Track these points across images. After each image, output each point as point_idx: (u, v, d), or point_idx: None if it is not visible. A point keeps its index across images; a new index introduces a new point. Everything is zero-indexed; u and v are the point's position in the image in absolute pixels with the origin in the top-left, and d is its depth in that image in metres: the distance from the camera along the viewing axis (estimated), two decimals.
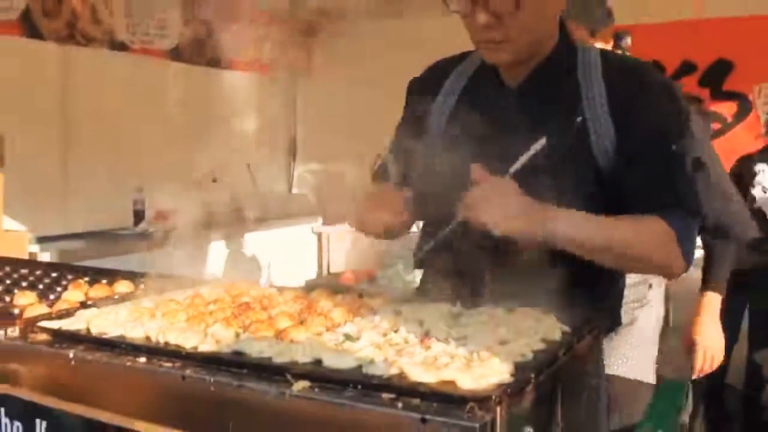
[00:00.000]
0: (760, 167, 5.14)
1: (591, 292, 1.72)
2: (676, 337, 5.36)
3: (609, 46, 1.85)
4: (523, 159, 1.69)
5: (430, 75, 2.12)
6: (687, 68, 5.92)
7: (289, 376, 1.25)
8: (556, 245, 1.64)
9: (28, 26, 4.81)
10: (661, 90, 1.84)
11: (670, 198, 1.75)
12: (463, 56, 2.06)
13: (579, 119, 1.81)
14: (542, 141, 1.68)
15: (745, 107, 5.73)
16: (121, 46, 5.44)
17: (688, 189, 1.79)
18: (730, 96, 5.86)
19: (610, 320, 1.97)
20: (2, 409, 1.47)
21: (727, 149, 5.32)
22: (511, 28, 1.73)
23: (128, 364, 1.39)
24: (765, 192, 5.16)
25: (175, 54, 5.89)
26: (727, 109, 5.88)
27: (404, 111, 2.18)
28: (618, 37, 1.87)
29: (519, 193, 1.64)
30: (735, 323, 5.03)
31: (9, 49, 4.78)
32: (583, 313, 1.59)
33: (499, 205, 1.61)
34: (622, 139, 1.79)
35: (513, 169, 1.70)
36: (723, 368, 5.13)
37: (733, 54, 5.78)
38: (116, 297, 1.88)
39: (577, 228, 1.67)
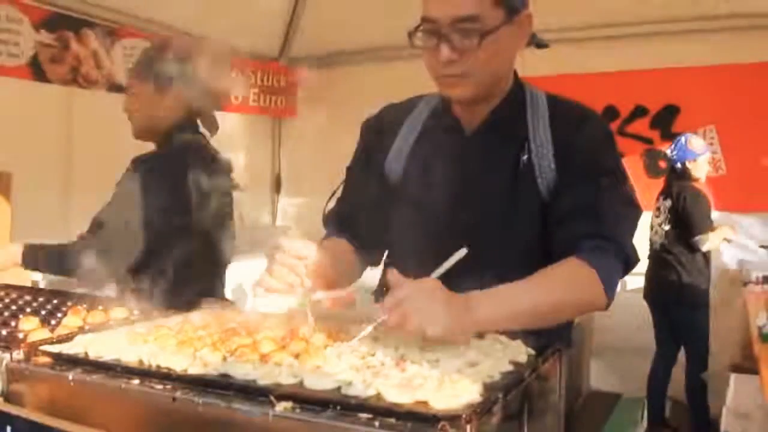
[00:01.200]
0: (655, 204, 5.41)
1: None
2: (637, 356, 5.44)
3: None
4: (445, 266, 1.59)
5: (384, 119, 2.08)
6: (639, 112, 6.01)
7: (272, 398, 1.23)
8: (486, 330, 1.56)
9: (36, 70, 4.83)
10: (597, 130, 1.86)
11: (592, 226, 1.73)
12: (413, 101, 2.05)
13: (525, 157, 1.82)
14: (463, 250, 1.60)
15: None
16: (120, 88, 5.44)
17: (612, 220, 1.76)
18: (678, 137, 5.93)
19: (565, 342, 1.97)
20: (9, 428, 1.44)
21: None
22: (472, 63, 1.73)
23: (123, 385, 1.38)
24: (651, 227, 5.45)
25: None
26: None
27: (357, 153, 2.12)
28: (533, 36, 1.87)
29: (439, 293, 1.49)
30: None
31: (18, 91, 4.78)
32: (545, 337, 1.58)
33: (423, 311, 1.44)
34: (560, 174, 1.80)
35: (434, 274, 1.58)
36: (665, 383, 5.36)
37: (680, 99, 5.86)
38: (112, 323, 1.86)
39: (500, 308, 1.57)
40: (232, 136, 7.08)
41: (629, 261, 1.78)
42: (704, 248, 5.19)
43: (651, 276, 5.47)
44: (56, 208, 5.17)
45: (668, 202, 5.32)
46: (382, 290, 1.90)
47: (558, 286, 1.68)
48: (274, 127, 7.51)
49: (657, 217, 5.43)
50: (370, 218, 1.98)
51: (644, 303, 5.46)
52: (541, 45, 1.92)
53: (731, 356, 4.93)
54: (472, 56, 1.71)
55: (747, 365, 4.43)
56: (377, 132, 2.05)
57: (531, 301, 1.63)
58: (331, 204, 2.09)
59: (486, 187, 1.85)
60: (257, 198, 7.37)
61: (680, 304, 5.25)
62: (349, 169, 2.12)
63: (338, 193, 2.09)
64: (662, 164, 6.00)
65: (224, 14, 5.91)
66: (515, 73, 1.93)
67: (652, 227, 5.50)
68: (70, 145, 5.29)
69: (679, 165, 5.33)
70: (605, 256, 1.71)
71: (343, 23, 6.35)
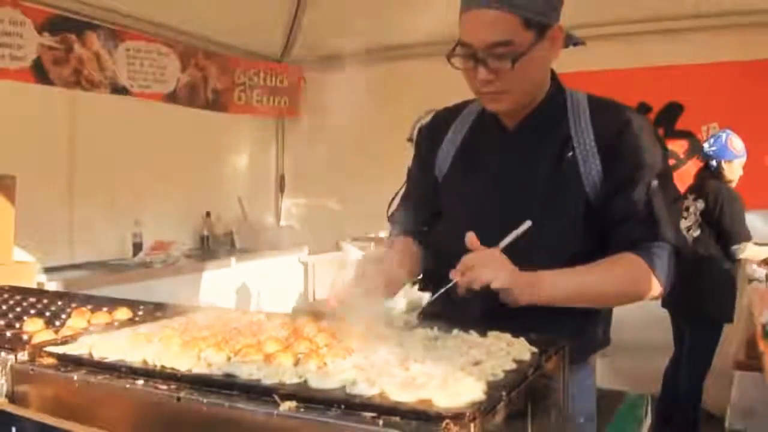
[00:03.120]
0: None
1: (574, 320, 1.82)
2: (642, 354, 5.40)
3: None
4: (511, 237, 1.75)
5: (434, 123, 2.18)
6: (643, 110, 5.99)
7: (276, 397, 1.24)
8: (546, 303, 1.72)
9: (39, 73, 4.83)
10: (640, 128, 1.88)
11: (648, 231, 1.81)
12: (464, 104, 2.13)
13: (570, 153, 1.87)
14: (528, 223, 1.75)
15: (695, 145, 5.79)
16: (123, 90, 5.45)
17: (665, 220, 1.83)
18: (682, 135, 5.93)
19: (602, 338, 2.01)
20: (13, 428, 1.45)
21: (679, 184, 5.37)
22: (508, 82, 1.80)
23: (127, 386, 1.38)
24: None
25: (172, 97, 5.90)
26: (679, 147, 5.95)
27: (413, 158, 2.24)
28: (569, 37, 1.91)
29: (507, 262, 1.69)
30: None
31: (22, 94, 4.79)
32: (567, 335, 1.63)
33: (491, 270, 1.64)
34: (607, 173, 1.85)
35: (502, 244, 1.74)
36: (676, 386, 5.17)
37: (684, 97, 5.86)
38: (116, 324, 1.87)
39: (564, 287, 1.75)
40: (236, 137, 7.09)
41: (680, 251, 1.86)
42: (741, 257, 4.84)
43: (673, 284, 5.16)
44: (60, 210, 5.18)
45: (700, 204, 4.97)
46: (429, 277, 2.05)
47: (618, 276, 1.82)
48: (277, 127, 7.51)
49: (684, 218, 4.99)
50: (426, 217, 2.12)
51: (649, 301, 5.27)
52: (576, 44, 1.97)
53: (735, 354, 4.92)
54: (508, 75, 1.77)
55: (751, 363, 4.42)
56: (427, 136, 2.18)
57: (592, 285, 1.80)
58: (395, 204, 2.23)
59: (529, 181, 1.91)
60: (261, 198, 7.37)
61: (704, 318, 4.91)
62: (409, 170, 2.25)
63: (401, 193, 2.25)
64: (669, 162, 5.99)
65: (227, 15, 5.94)
66: (554, 74, 1.98)
67: None
68: (73, 148, 5.30)
69: (714, 163, 5.02)
70: (660, 255, 1.80)
71: (346, 23, 6.34)
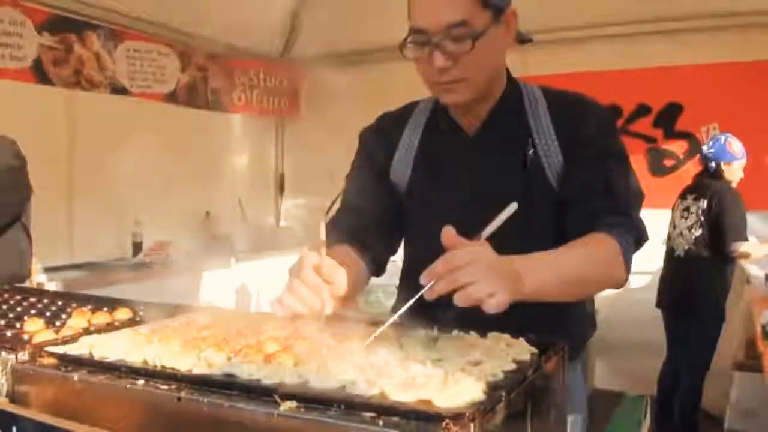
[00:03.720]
0: (677, 203, 5.17)
1: (560, 312, 1.75)
2: (640, 355, 5.41)
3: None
4: (495, 224, 1.53)
5: (383, 126, 2.10)
6: (642, 110, 6.01)
7: (276, 397, 1.24)
8: (534, 298, 1.52)
9: (39, 73, 4.85)
10: (599, 117, 1.88)
11: (607, 203, 1.77)
12: (409, 107, 2.07)
13: (531, 152, 1.85)
14: (514, 205, 1.55)
15: (694, 145, 5.80)
16: (123, 91, 5.45)
17: (625, 197, 1.80)
18: (681, 135, 5.94)
19: (590, 328, 2.00)
20: (14, 428, 1.45)
21: (679, 184, 5.39)
22: (466, 68, 1.74)
23: (128, 386, 1.38)
24: (674, 227, 5.17)
25: (172, 97, 5.91)
26: (678, 147, 5.96)
27: (357, 161, 2.11)
28: (519, 33, 1.88)
29: (495, 263, 1.44)
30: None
31: (21, 94, 4.80)
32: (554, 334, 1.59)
33: (480, 283, 1.37)
34: (568, 160, 1.83)
35: (485, 233, 1.52)
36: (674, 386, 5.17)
37: (683, 98, 5.86)
38: (116, 324, 1.87)
39: (548, 275, 1.58)
40: (236, 137, 7.09)
41: (641, 238, 1.81)
42: (737, 254, 4.87)
43: (671, 283, 5.11)
44: (59, 210, 5.18)
45: (702, 203, 4.97)
46: (408, 281, 1.95)
47: (589, 257, 1.69)
48: (277, 127, 7.52)
49: (684, 218, 5.07)
50: (376, 226, 1.97)
51: (648, 301, 5.20)
52: (525, 40, 1.93)
53: (735, 354, 4.92)
54: (466, 60, 1.72)
55: (751, 363, 4.43)
56: (377, 140, 2.07)
57: (574, 268, 1.65)
58: (332, 213, 2.06)
59: (497, 187, 1.86)
60: (260, 199, 7.37)
61: (702, 318, 4.89)
62: (349, 177, 2.11)
63: (338, 203, 2.07)
64: (666, 163, 6.00)
65: (227, 15, 5.93)
66: (508, 72, 1.95)
67: (675, 228, 5.13)
68: (72, 148, 5.30)
69: (713, 164, 5.03)
70: (624, 232, 1.74)
71: (347, 23, 6.36)
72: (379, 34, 6.15)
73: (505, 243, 1.53)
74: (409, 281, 1.77)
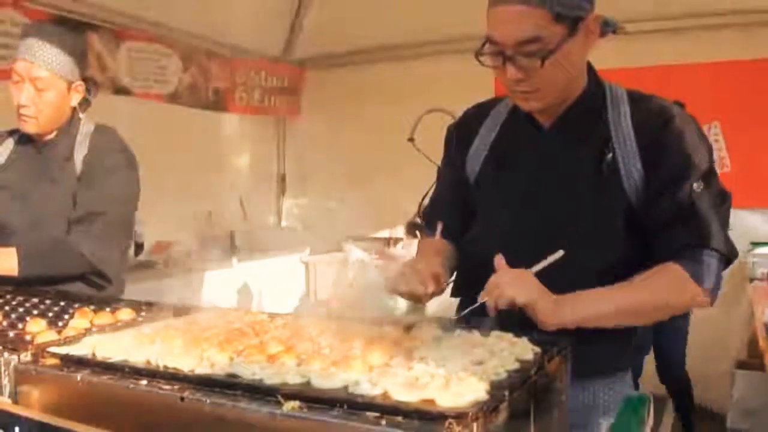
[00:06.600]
0: None
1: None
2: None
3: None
4: (542, 265, 1.71)
5: (464, 122, 2.13)
6: None
7: (279, 397, 1.24)
8: (571, 326, 1.67)
9: None
10: (684, 125, 1.81)
11: (693, 236, 1.73)
12: (494, 101, 2.08)
13: (609, 155, 1.81)
14: (560, 252, 1.70)
15: None
16: (124, 91, 5.45)
17: (711, 225, 1.74)
18: None
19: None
20: (17, 429, 1.45)
21: None
22: (539, 81, 1.74)
23: (131, 386, 1.38)
24: None
25: (173, 97, 5.91)
26: None
27: (443, 158, 2.19)
28: (605, 24, 1.85)
29: (535, 283, 1.67)
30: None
31: None
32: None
33: (517, 289, 1.63)
34: (649, 174, 1.78)
35: (534, 269, 1.70)
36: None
37: (684, 96, 5.85)
38: (119, 324, 1.87)
39: (585, 310, 1.69)
40: (237, 137, 7.09)
41: (729, 257, 1.77)
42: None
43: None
44: None
45: None
46: (464, 282, 2.03)
47: (654, 291, 1.74)
48: (278, 127, 7.51)
49: None
50: (456, 217, 2.08)
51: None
52: (614, 30, 1.90)
53: (737, 353, 4.91)
54: (538, 75, 1.72)
55: (753, 362, 4.42)
56: (459, 133, 2.11)
57: (615, 304, 1.72)
58: (426, 203, 2.23)
59: (568, 184, 1.85)
60: (262, 198, 7.37)
61: None
62: (439, 170, 2.22)
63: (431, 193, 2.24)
64: None
65: (228, 15, 5.93)
66: (593, 70, 1.93)
67: None
68: None
69: None
70: (703, 261, 1.72)
71: (347, 23, 6.35)
72: (381, 34, 6.17)
73: (571, 246, 1.70)
74: (467, 275, 1.96)
